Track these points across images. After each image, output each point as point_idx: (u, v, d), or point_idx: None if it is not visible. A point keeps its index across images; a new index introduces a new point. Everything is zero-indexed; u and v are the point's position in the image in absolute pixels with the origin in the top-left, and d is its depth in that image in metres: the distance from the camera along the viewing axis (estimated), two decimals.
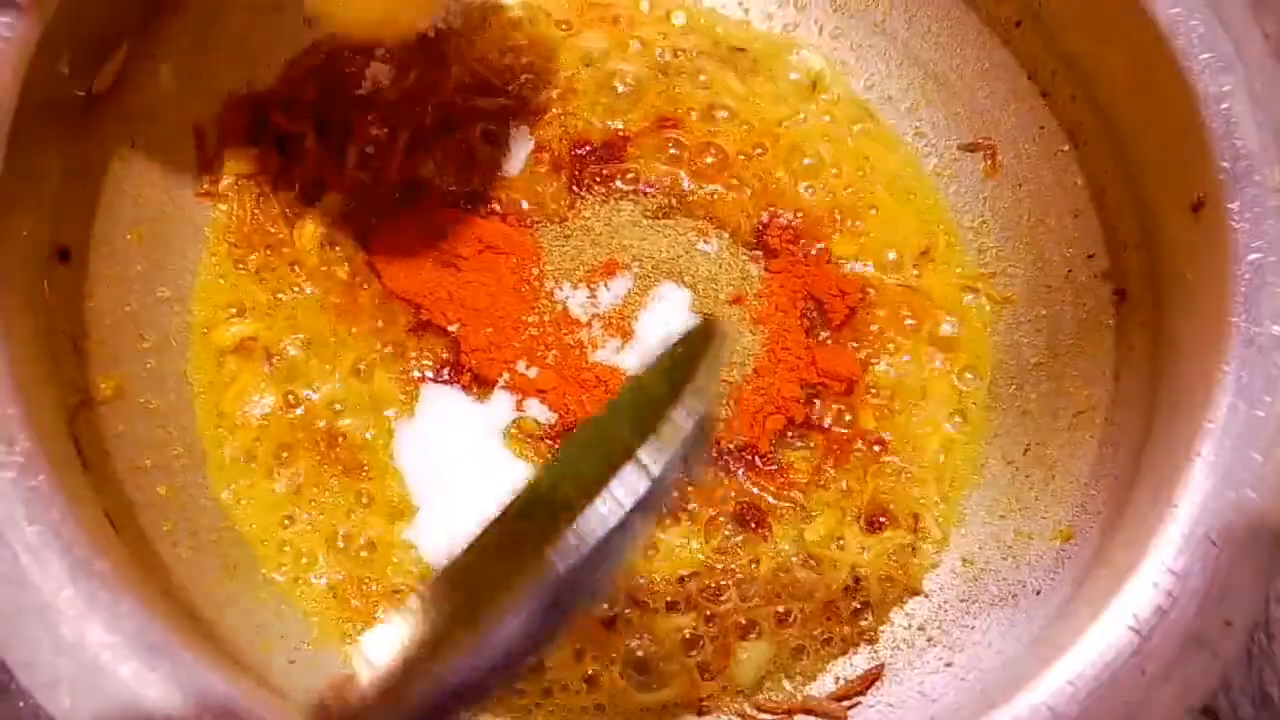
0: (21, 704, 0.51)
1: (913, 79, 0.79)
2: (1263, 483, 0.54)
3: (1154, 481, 0.59)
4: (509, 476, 0.69)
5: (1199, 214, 0.61)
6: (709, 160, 0.77)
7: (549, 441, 0.70)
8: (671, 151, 0.77)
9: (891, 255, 0.77)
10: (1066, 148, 0.73)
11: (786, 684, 0.68)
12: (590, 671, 0.67)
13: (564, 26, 0.80)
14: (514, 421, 0.71)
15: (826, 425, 0.73)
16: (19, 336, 0.54)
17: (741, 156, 0.77)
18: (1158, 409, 0.62)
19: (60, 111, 0.61)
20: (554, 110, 0.77)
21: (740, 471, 0.71)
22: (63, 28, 0.58)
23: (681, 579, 0.69)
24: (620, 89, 0.78)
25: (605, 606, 0.68)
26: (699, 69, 0.80)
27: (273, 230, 0.73)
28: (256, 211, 0.73)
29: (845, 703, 0.66)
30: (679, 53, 0.80)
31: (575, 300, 0.72)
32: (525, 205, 0.75)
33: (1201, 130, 0.60)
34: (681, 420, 0.38)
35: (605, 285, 0.72)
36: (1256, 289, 0.57)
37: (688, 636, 0.68)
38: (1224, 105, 0.60)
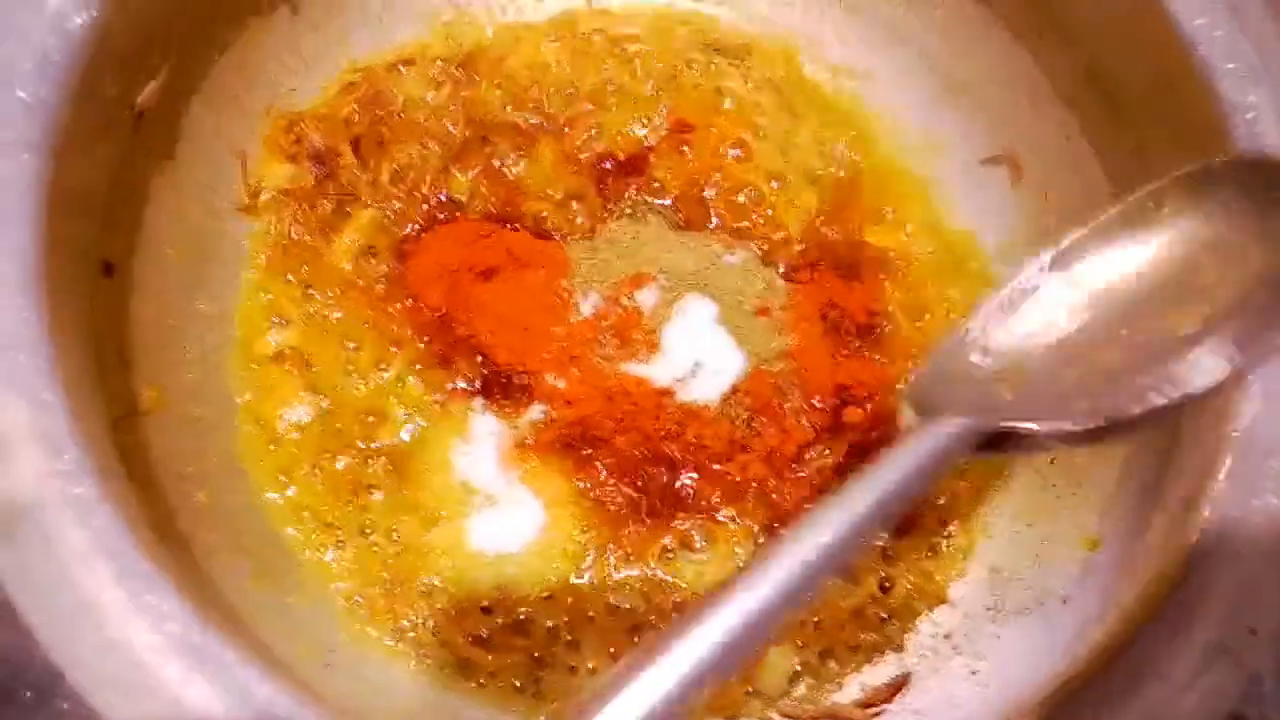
0: (65, 704, 0.52)
1: (934, 87, 0.80)
2: None
3: (1179, 489, 0.58)
4: (538, 483, 0.71)
5: None
6: (729, 172, 0.78)
7: (575, 449, 0.71)
8: (692, 164, 0.78)
9: (916, 265, 0.77)
10: (1092, 157, 0.73)
11: (812, 690, 0.69)
12: None
13: (587, 41, 0.81)
14: (543, 430, 0.72)
15: (853, 434, 0.73)
16: (65, 348, 0.56)
17: (763, 167, 0.78)
18: (1183, 417, 0.62)
19: (107, 129, 0.63)
20: (581, 124, 0.79)
21: (769, 480, 0.71)
22: (109, 48, 0.60)
23: (710, 587, 0.69)
24: (642, 101, 0.79)
25: (632, 614, 0.69)
26: (718, 79, 0.81)
27: (310, 244, 0.75)
28: (295, 226, 0.75)
29: (870, 710, 0.67)
30: (698, 63, 0.81)
31: (603, 312, 0.73)
32: (554, 219, 0.77)
33: (1226, 140, 0.60)
34: None
35: (632, 297, 0.73)
36: None
37: None
38: (1249, 115, 0.60)
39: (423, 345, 0.73)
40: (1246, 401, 0.56)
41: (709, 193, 0.78)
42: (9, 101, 0.55)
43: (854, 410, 0.73)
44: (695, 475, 0.71)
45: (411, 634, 0.68)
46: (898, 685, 0.68)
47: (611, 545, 0.70)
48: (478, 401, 0.72)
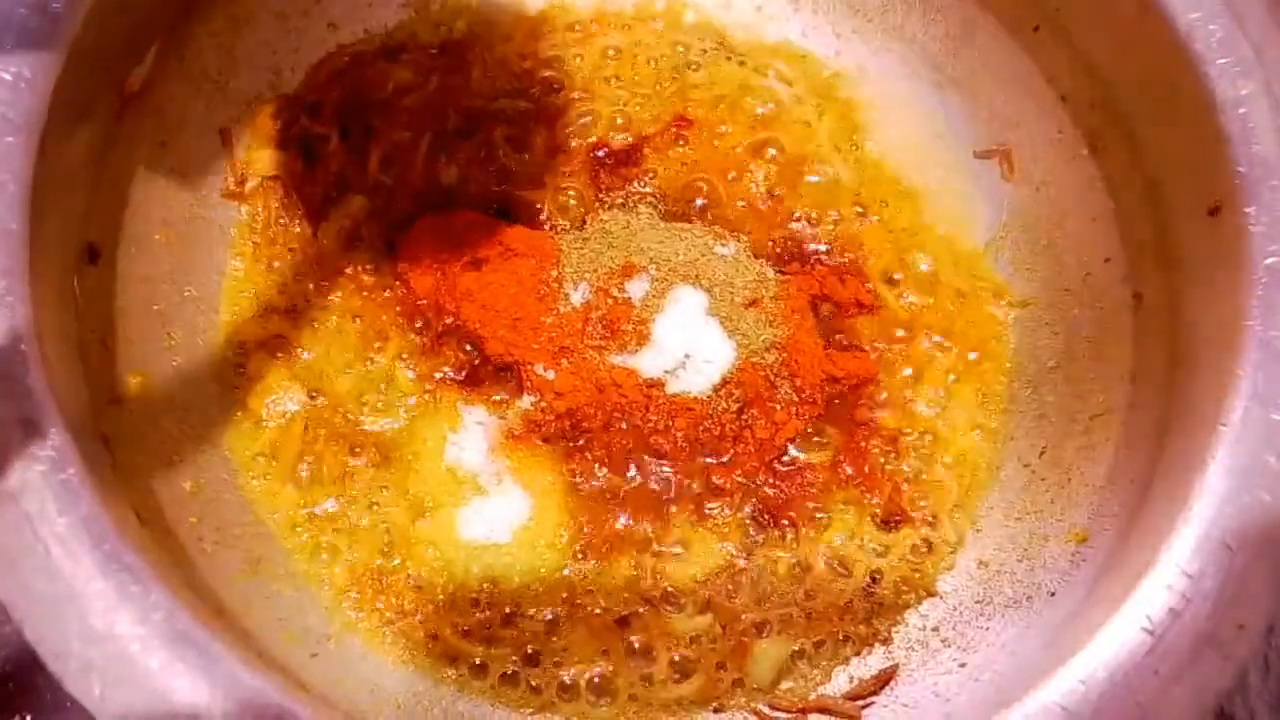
0: (49, 695, 0.52)
1: (930, 83, 0.80)
2: (1278, 486, 0.54)
3: (1169, 484, 0.59)
4: (527, 473, 0.71)
5: (1216, 218, 0.61)
6: (723, 163, 0.78)
7: (565, 440, 0.71)
8: (687, 155, 0.78)
9: (908, 258, 0.77)
10: (1085, 152, 0.73)
11: (801, 683, 0.69)
12: (607, 669, 0.68)
13: (579, 29, 0.81)
14: (532, 421, 0.71)
15: (843, 426, 0.73)
16: (50, 334, 0.55)
17: (757, 158, 0.78)
18: (1174, 412, 0.62)
19: (91, 114, 0.62)
20: (573, 113, 0.78)
21: (758, 472, 0.71)
22: (95, 32, 0.59)
23: (699, 579, 0.69)
24: (636, 92, 0.79)
25: (621, 606, 0.68)
26: (712, 71, 0.80)
27: (298, 231, 0.74)
28: (281, 213, 0.74)
29: (859, 702, 0.67)
30: (692, 56, 0.81)
31: (593, 302, 0.73)
32: (545, 208, 0.76)
33: (1219, 135, 0.60)
34: None
35: (623, 288, 0.73)
36: (1273, 293, 0.57)
37: (705, 635, 0.69)
38: (1242, 110, 0.60)
39: (411, 334, 0.73)
40: (1237, 397, 0.56)
41: (703, 184, 0.77)
42: None
43: (864, 410, 0.73)
44: (685, 467, 0.71)
45: (400, 625, 0.68)
46: (886, 677, 0.68)
47: (600, 537, 0.70)
48: (469, 391, 0.72)
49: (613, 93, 0.79)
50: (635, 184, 0.77)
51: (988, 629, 0.67)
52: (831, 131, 0.80)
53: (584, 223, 0.76)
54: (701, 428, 0.71)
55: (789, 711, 0.67)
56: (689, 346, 0.72)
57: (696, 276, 0.74)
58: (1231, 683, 0.52)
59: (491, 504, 0.70)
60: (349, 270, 0.74)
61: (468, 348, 0.73)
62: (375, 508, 0.70)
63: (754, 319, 0.73)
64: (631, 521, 0.70)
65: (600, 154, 0.78)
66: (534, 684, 0.67)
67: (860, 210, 0.78)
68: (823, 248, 0.77)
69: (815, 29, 0.82)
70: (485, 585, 0.68)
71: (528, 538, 0.70)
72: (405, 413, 0.72)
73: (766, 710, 0.68)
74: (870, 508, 0.72)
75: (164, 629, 0.49)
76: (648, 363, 0.72)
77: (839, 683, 0.69)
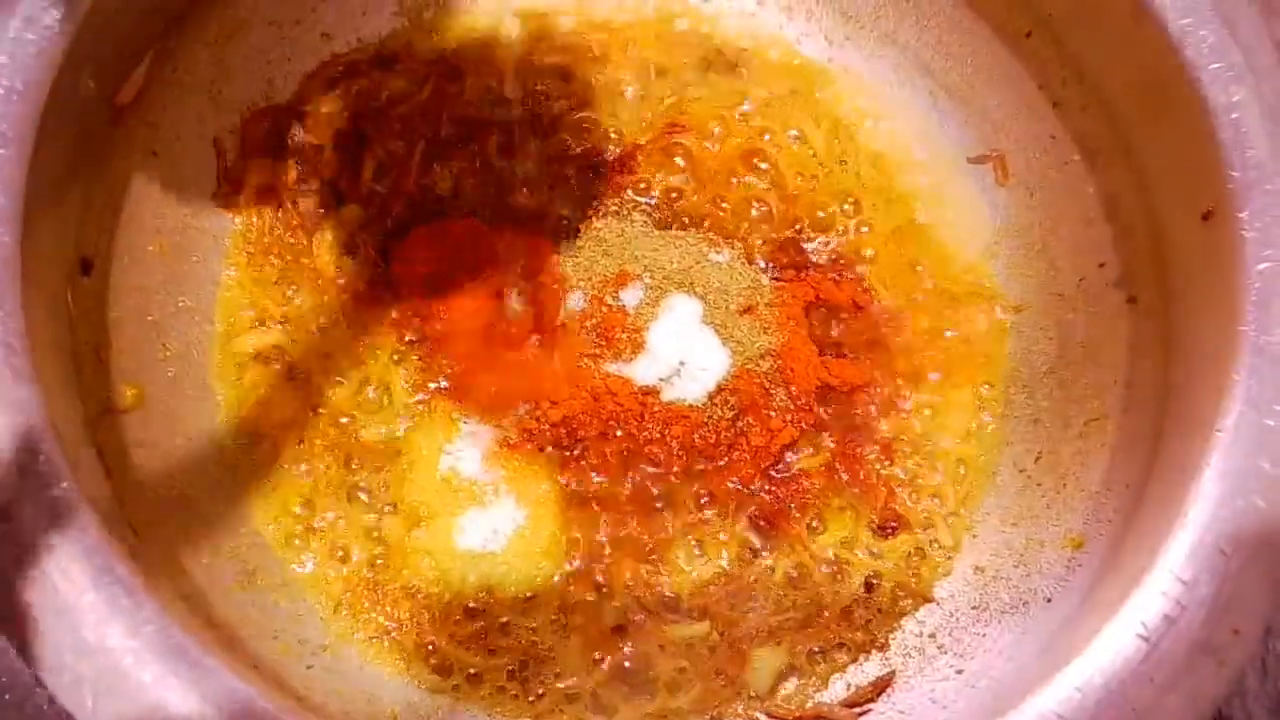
0: (46, 707, 0.52)
1: (923, 88, 0.80)
2: (1273, 492, 0.54)
3: (1164, 490, 0.59)
4: (523, 482, 0.70)
5: (1209, 223, 0.61)
6: (717, 170, 0.78)
7: (560, 449, 0.71)
8: (680, 162, 0.78)
9: (902, 264, 0.77)
10: (1077, 157, 0.73)
11: (799, 690, 0.69)
12: (604, 678, 0.68)
13: (573, 37, 0.81)
14: (527, 430, 0.71)
15: (838, 433, 0.73)
16: (43, 346, 0.55)
17: (751, 165, 0.78)
18: (1168, 417, 0.62)
19: (84, 124, 0.62)
20: (567, 121, 0.78)
21: (754, 479, 0.71)
22: (87, 42, 0.59)
23: (696, 586, 0.69)
24: (629, 98, 0.79)
25: (617, 614, 0.68)
26: (706, 78, 0.80)
27: (292, 241, 0.74)
28: (275, 222, 0.74)
29: (856, 709, 0.67)
30: (686, 63, 0.81)
31: (588, 311, 0.73)
32: (539, 216, 0.76)
33: (1212, 139, 0.60)
34: None
35: (617, 296, 0.73)
36: (1267, 298, 0.57)
37: (702, 643, 0.68)
38: (1234, 115, 0.60)
39: (406, 344, 0.73)
40: (1232, 402, 0.56)
41: (697, 191, 0.77)
42: None
43: (859, 417, 0.73)
44: (680, 475, 0.71)
45: (396, 635, 0.68)
46: (883, 684, 0.68)
47: (595, 545, 0.70)
48: (463, 400, 0.72)
49: (606, 100, 0.79)
50: (629, 192, 0.77)
51: (984, 635, 0.67)
52: (825, 137, 0.80)
53: (578, 230, 0.76)
54: (697, 435, 0.71)
55: (786, 719, 0.67)
56: (684, 354, 0.72)
57: (691, 284, 0.74)
58: (1227, 689, 0.52)
59: (487, 513, 0.70)
60: (344, 280, 0.74)
61: (463, 356, 0.73)
62: (371, 518, 0.70)
63: (748, 326, 0.73)
64: (627, 530, 0.70)
65: (594, 162, 0.78)
66: (530, 693, 0.67)
67: (854, 216, 0.78)
68: (817, 254, 0.77)
69: (808, 35, 0.82)
70: (481, 594, 0.68)
71: (523, 547, 0.69)
72: (401, 422, 0.72)
73: (764, 719, 0.68)
74: (866, 514, 0.72)
75: (156, 641, 0.49)
76: (643, 371, 0.72)
77: (836, 690, 0.69)
